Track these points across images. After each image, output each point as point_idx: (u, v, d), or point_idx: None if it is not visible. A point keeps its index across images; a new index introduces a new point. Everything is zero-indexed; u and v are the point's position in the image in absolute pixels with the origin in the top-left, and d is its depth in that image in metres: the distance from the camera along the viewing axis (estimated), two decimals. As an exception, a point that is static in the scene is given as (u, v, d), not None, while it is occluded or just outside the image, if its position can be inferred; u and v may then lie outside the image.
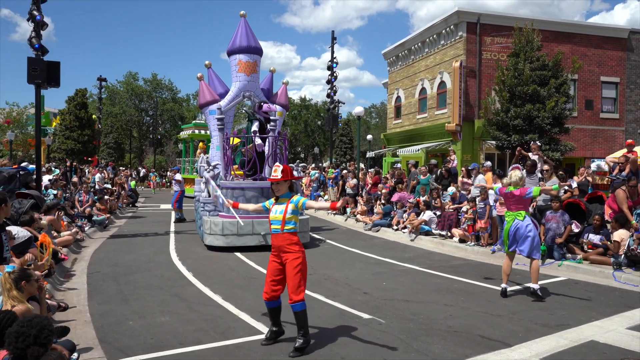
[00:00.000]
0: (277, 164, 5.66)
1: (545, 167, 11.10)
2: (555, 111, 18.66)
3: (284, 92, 14.96)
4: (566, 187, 11.19)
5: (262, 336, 5.66)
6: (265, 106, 13.11)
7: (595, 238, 9.86)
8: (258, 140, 12.93)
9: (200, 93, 14.31)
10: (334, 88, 25.01)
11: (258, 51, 13.86)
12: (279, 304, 5.45)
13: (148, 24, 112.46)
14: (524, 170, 7.83)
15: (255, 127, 13.34)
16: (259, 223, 11.63)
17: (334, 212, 18.57)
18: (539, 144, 12.40)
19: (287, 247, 5.31)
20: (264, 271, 9.27)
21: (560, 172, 12.13)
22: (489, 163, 13.77)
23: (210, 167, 12.66)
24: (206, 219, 12.04)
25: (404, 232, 13.85)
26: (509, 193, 7.58)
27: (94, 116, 38.88)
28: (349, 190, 18.91)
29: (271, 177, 5.38)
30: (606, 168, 13.57)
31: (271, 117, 13.36)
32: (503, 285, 7.68)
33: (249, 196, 11.96)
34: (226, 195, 11.80)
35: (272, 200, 5.51)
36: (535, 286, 7.47)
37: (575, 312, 6.76)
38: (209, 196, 12.71)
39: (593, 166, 13.16)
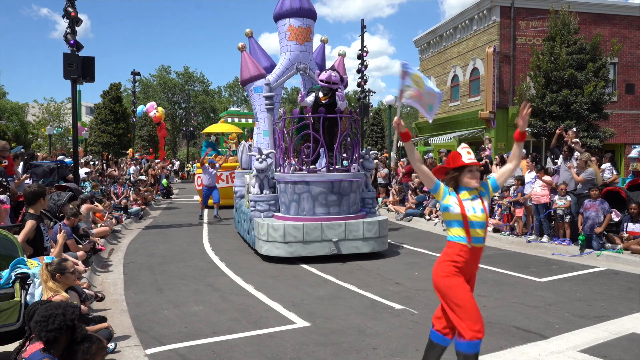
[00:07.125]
0: (464, 144, 3.99)
1: (582, 157, 10.62)
2: (594, 96, 18.08)
3: (341, 64, 12.39)
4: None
5: (294, 326, 5.69)
6: (321, 74, 10.10)
7: (636, 227, 9.54)
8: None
9: (243, 67, 12.05)
10: (365, 77, 24.77)
11: (312, 14, 11.52)
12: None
13: (179, 18, 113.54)
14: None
15: (311, 99, 9.99)
16: (329, 227, 9.26)
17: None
18: (574, 129, 12.03)
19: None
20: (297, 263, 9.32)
21: (596, 157, 11.72)
22: (523, 150, 13.46)
23: (263, 157, 10.31)
24: (260, 221, 9.54)
25: (436, 222, 13.69)
26: None
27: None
28: (380, 180, 18.79)
29: (469, 161, 3.78)
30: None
31: (337, 89, 9.92)
32: None
33: (316, 192, 9.36)
34: (285, 191, 9.69)
35: (449, 189, 3.88)
36: None
37: (615, 304, 6.56)
38: (261, 192, 10.31)
39: (634, 152, 12.67)
